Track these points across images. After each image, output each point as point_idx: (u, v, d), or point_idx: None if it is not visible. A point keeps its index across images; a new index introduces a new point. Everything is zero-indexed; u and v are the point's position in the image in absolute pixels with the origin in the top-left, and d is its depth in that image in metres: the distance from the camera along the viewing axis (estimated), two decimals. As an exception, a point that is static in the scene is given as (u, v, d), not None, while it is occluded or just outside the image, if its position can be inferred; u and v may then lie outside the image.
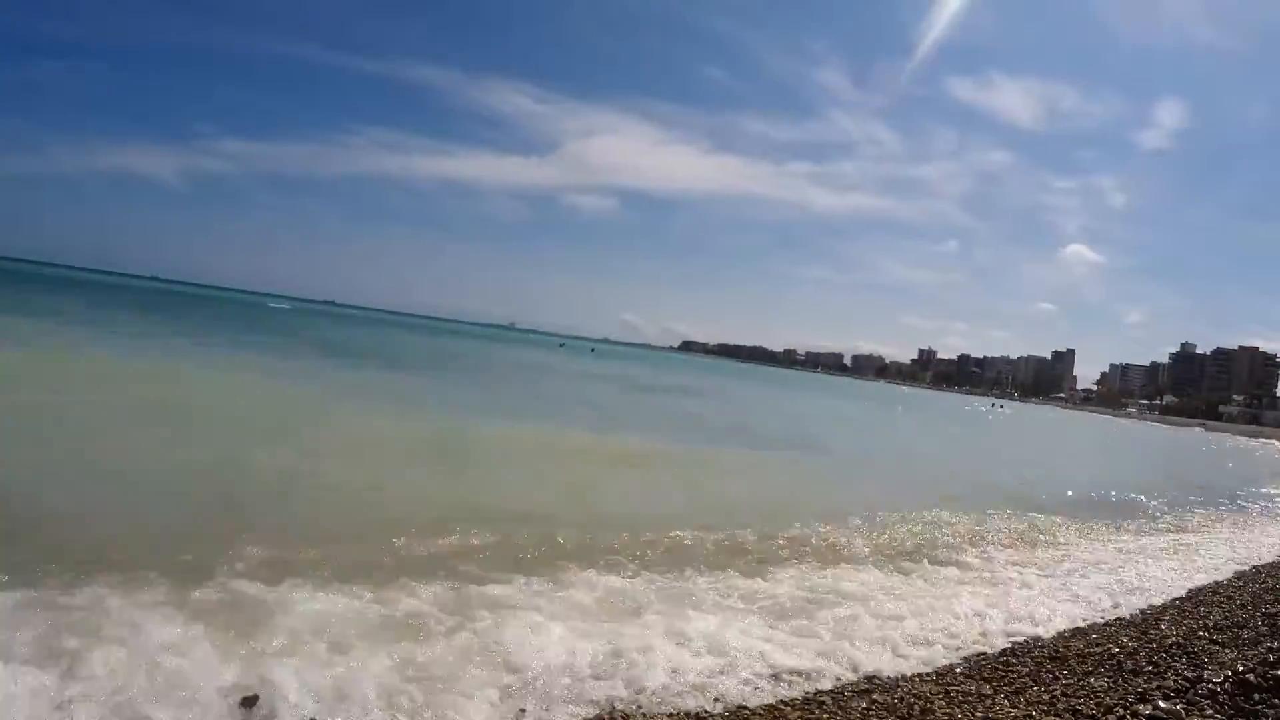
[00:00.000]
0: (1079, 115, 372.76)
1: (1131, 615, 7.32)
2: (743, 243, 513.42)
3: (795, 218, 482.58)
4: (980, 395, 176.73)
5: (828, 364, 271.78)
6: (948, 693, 4.91)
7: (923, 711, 4.55)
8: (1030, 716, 4.53)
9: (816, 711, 4.54)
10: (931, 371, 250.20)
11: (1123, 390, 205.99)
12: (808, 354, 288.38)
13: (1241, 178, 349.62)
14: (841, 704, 4.67)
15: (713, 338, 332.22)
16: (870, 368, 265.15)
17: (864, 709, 4.59)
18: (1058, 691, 4.95)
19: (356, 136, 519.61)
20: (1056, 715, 4.56)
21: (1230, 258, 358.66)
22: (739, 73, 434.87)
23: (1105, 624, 6.95)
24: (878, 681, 5.17)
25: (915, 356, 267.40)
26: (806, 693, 4.87)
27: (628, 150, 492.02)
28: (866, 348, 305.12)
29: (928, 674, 5.37)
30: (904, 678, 5.27)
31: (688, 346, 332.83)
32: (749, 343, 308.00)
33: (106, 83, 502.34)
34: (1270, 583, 9.01)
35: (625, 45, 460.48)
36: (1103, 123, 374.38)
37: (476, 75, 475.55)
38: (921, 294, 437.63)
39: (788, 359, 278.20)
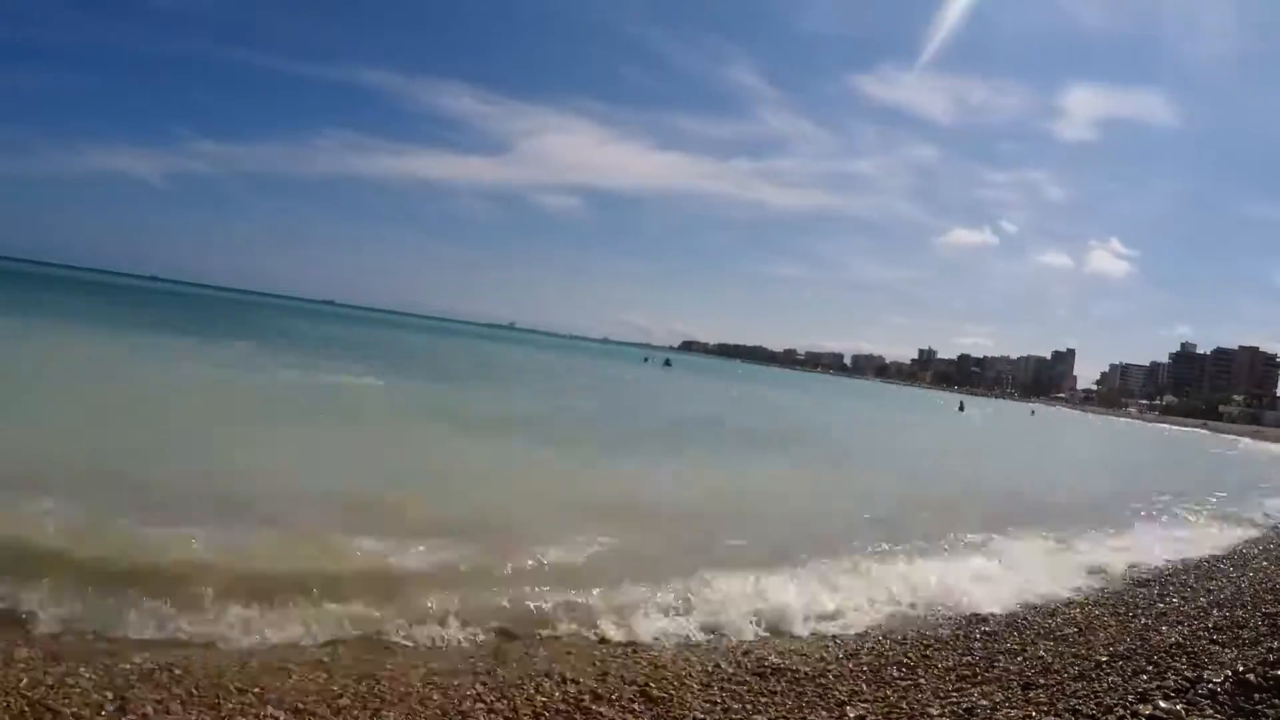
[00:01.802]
0: (990, 109, 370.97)
1: None
2: (712, 241, 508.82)
3: (756, 216, 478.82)
4: (981, 395, 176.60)
5: (828, 364, 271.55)
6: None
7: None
8: (1030, 717, 4.53)
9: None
10: (931, 371, 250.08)
11: (1122, 390, 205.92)
12: (808, 354, 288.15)
13: (1196, 170, 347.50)
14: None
15: (713, 337, 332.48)
16: (870, 368, 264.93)
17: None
18: (1057, 691, 4.94)
19: (322, 138, 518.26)
20: (1056, 715, 4.55)
21: (1215, 253, 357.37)
22: (655, 71, 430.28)
23: None
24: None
25: (915, 356, 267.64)
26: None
27: (578, 147, 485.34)
28: (867, 348, 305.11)
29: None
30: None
31: (688, 346, 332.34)
32: (748, 342, 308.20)
33: (89, 86, 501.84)
34: (1271, 582, 9.01)
35: (545, 46, 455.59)
36: (1016, 115, 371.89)
37: (416, 77, 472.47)
38: (905, 293, 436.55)
39: (788, 358, 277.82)
